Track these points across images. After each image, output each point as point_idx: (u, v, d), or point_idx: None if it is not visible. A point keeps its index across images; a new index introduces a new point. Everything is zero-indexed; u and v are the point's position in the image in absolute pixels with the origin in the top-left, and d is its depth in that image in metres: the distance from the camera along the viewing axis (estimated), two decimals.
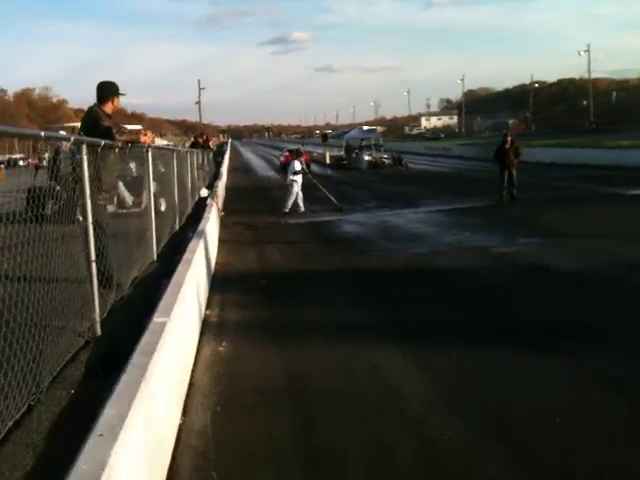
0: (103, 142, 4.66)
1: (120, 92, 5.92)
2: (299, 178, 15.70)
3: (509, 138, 15.99)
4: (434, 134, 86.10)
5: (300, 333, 5.84)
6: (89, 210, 4.11)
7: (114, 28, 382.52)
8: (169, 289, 4.69)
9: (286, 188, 16.12)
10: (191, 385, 4.41)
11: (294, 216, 15.04)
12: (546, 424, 3.73)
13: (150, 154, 7.01)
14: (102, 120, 5.45)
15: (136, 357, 3.21)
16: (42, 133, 3.26)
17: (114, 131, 5.36)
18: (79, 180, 4.10)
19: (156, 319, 3.87)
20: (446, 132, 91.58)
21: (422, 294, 7.17)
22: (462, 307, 6.49)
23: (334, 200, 16.10)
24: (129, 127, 11.35)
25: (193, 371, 4.72)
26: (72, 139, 3.77)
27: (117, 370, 3.09)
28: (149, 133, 6.17)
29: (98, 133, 4.84)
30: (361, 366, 4.87)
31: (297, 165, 15.94)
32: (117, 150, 5.56)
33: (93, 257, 4.13)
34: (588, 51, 69.18)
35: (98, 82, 5.82)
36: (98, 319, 4.16)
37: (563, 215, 13.10)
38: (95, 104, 5.74)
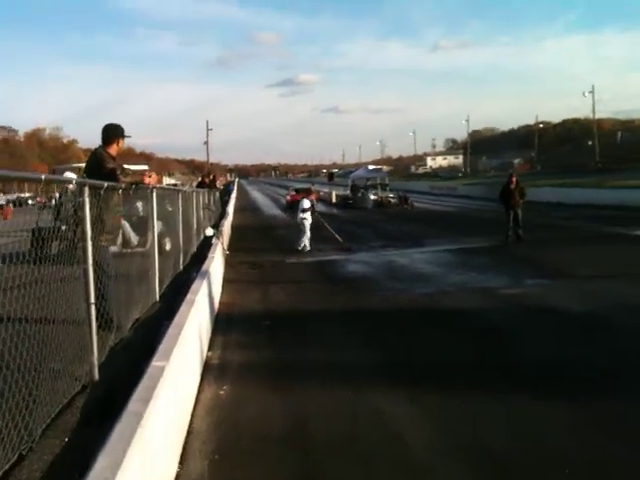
0: (106, 184, 4.68)
1: (125, 134, 5.99)
2: (308, 216, 15.80)
3: (514, 178, 16.03)
4: (450, 173, 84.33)
5: (303, 375, 5.73)
6: (89, 252, 4.08)
7: (125, 70, 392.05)
8: (170, 331, 4.62)
9: (295, 227, 16.27)
10: (190, 431, 4.30)
11: (299, 255, 15.02)
12: (552, 472, 3.61)
13: (154, 195, 7.03)
14: (106, 162, 5.49)
15: (132, 404, 3.13)
16: (42, 176, 3.26)
17: (118, 172, 5.39)
18: (80, 222, 4.09)
19: (155, 363, 3.79)
20: (457, 172, 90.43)
21: (428, 335, 7.07)
22: (468, 349, 6.39)
23: (340, 239, 16.11)
24: (136, 167, 11.43)
25: (192, 416, 4.62)
26: (74, 181, 3.78)
27: (113, 417, 3.01)
28: (154, 175, 6.21)
29: (102, 175, 4.87)
30: (365, 411, 4.75)
31: (306, 203, 16.05)
32: (121, 191, 5.58)
33: (92, 299, 4.09)
34: (592, 92, 70.00)
35: (104, 125, 5.90)
36: (96, 363, 4.08)
37: (569, 255, 13.03)
38: (100, 146, 5.80)
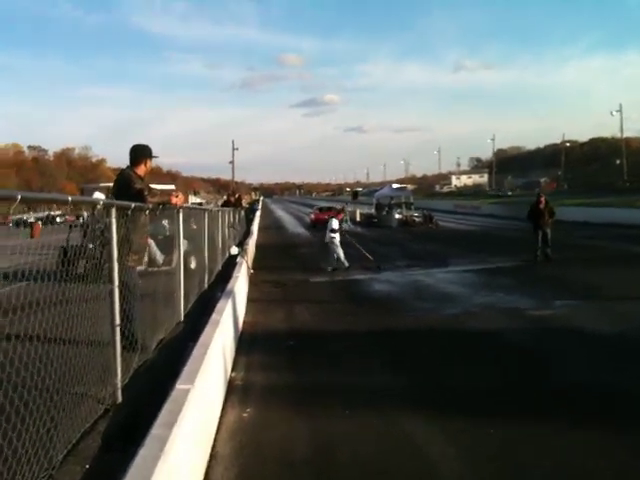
0: (133, 205, 4.70)
1: (153, 155, 6.03)
2: (337, 235, 15.79)
3: (543, 198, 15.82)
4: (501, 191, 79.60)
5: (328, 399, 5.62)
6: (116, 273, 4.08)
7: (153, 91, 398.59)
8: (194, 353, 4.58)
9: (321, 246, 16.29)
10: (212, 456, 4.23)
11: (324, 274, 14.97)
12: None
13: (181, 215, 7.07)
14: (134, 182, 5.52)
15: (156, 429, 3.08)
16: (69, 198, 3.28)
17: (146, 193, 5.42)
18: (107, 243, 4.10)
19: (179, 386, 3.75)
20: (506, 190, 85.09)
21: (455, 358, 6.93)
22: (497, 374, 6.23)
23: (371, 258, 16.06)
24: (162, 187, 11.55)
25: (215, 439, 4.56)
26: (102, 203, 3.79)
27: (136, 442, 2.96)
28: (180, 195, 6.22)
29: (130, 195, 4.90)
30: (393, 438, 4.63)
31: (335, 223, 16.04)
32: (148, 212, 5.61)
33: (117, 321, 4.07)
34: (620, 110, 69.21)
35: (132, 145, 5.95)
36: (119, 385, 4.05)
37: (599, 276, 12.74)
38: (128, 166, 5.84)
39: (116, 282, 4.06)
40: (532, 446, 4.36)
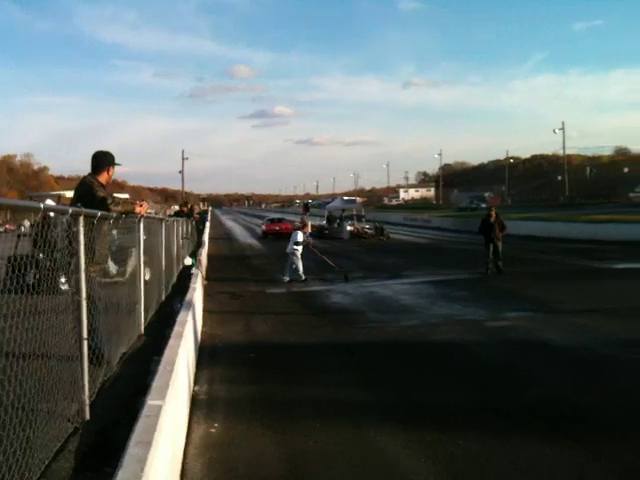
0: (100, 213, 4.51)
1: (115, 162, 5.81)
2: (300, 248, 15.74)
3: (493, 211, 16.22)
4: (473, 203, 74.01)
5: (294, 412, 5.52)
6: (83, 284, 3.88)
7: (100, 100, 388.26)
8: (161, 367, 4.41)
9: (276, 257, 16.23)
10: (183, 474, 4.07)
11: (279, 285, 14.87)
12: None
13: (142, 225, 6.86)
14: (97, 190, 5.30)
15: (132, 448, 2.92)
16: (41, 205, 3.10)
17: (109, 202, 5.21)
18: (75, 253, 3.90)
19: (151, 402, 3.58)
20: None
21: (417, 371, 6.94)
22: (459, 386, 6.28)
23: (335, 266, 16.41)
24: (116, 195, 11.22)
25: (185, 455, 4.39)
26: (70, 211, 3.61)
27: (109, 462, 2.80)
28: (145, 204, 6.03)
29: (93, 203, 4.69)
30: (362, 451, 4.58)
31: (300, 236, 15.98)
32: (111, 221, 5.40)
33: (85, 334, 3.87)
34: (563, 129, 71.89)
35: (94, 152, 5.72)
36: (87, 401, 3.84)
37: (549, 288, 13.12)
38: (90, 174, 5.59)
39: (83, 294, 3.86)
40: (502, 458, 4.39)
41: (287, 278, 15.46)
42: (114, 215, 5.28)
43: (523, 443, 4.65)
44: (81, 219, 3.86)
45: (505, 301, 11.66)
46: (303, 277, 15.43)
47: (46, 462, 3.09)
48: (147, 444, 2.96)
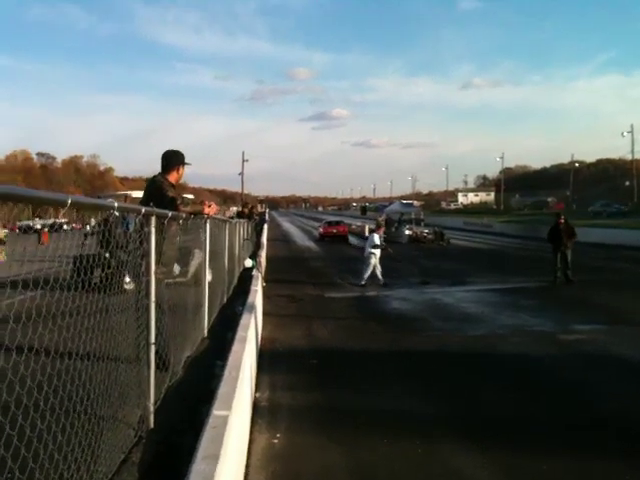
0: (170, 214, 4.43)
1: (185, 162, 5.74)
2: (377, 252, 15.46)
3: (562, 218, 15.51)
4: (617, 208, 62.79)
5: (359, 423, 5.28)
6: (153, 287, 3.78)
7: (162, 102, 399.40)
8: (226, 372, 4.27)
9: (334, 260, 15.95)
10: None
11: (337, 289, 14.71)
12: None
13: (208, 225, 6.79)
14: (166, 190, 5.23)
15: (199, 464, 2.76)
16: (116, 204, 3.00)
17: (178, 202, 5.13)
18: (146, 255, 3.80)
19: (216, 412, 3.44)
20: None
21: (485, 383, 6.61)
22: (532, 401, 5.92)
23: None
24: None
25: (247, 467, 4.24)
26: (143, 210, 3.51)
27: (175, 477, 2.65)
28: (213, 204, 5.94)
29: (163, 203, 4.60)
30: (435, 470, 4.31)
31: (376, 239, 15.75)
32: (181, 222, 5.32)
33: (153, 339, 3.76)
34: (632, 132, 69.02)
35: (164, 151, 5.66)
36: (152, 409, 3.72)
37: (624, 300, 12.37)
38: (160, 173, 5.53)
39: (152, 297, 3.75)
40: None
41: (363, 282, 15.21)
42: (183, 216, 5.20)
43: (613, 468, 4.27)
44: (153, 219, 3.77)
45: (576, 312, 11.06)
46: (382, 281, 15.17)
47: (110, 476, 2.94)
48: (214, 458, 2.81)
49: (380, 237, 16.11)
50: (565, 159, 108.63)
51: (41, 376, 2.55)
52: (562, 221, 15.29)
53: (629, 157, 74.75)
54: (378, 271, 15.34)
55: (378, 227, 17.35)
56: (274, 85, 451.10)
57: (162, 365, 4.31)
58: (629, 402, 5.87)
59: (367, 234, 38.32)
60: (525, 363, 7.49)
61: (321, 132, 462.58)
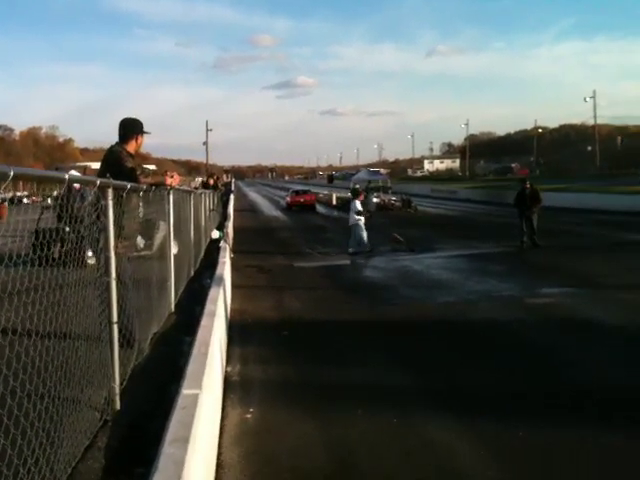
0: (129, 185, 4.19)
1: (145, 130, 5.46)
2: (362, 218, 15.37)
3: (528, 183, 15.60)
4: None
5: (334, 396, 5.18)
6: (112, 263, 3.58)
7: (122, 70, 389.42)
8: (195, 349, 4.11)
9: (300, 230, 15.78)
10: (219, 466, 3.80)
11: (306, 259, 14.60)
12: None
13: (171, 197, 6.54)
14: (126, 160, 4.96)
15: (168, 447, 2.63)
16: (66, 176, 2.78)
17: (138, 172, 4.88)
18: (103, 229, 3.59)
19: (185, 391, 3.29)
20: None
21: (458, 352, 6.58)
22: (506, 369, 5.90)
23: (402, 239, 15.80)
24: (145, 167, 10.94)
25: (220, 445, 4.12)
26: (98, 182, 3.29)
27: (144, 461, 2.51)
28: (176, 175, 5.70)
29: (122, 174, 4.35)
30: (411, 442, 4.26)
31: (358, 205, 15.62)
32: (141, 194, 5.08)
33: (115, 317, 3.58)
34: (594, 97, 69.90)
35: (121, 119, 5.37)
36: (117, 390, 3.56)
37: (590, 263, 12.56)
38: (117, 143, 5.25)
39: (113, 274, 3.56)
40: (551, 443, 4.05)
41: (351, 250, 15.09)
42: (144, 187, 4.96)
43: (590, 433, 4.28)
44: (110, 191, 3.54)
45: (544, 276, 11.18)
46: (369, 247, 15.07)
47: (73, 463, 2.77)
48: (184, 441, 2.67)
49: (362, 203, 16.00)
50: (529, 125, 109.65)
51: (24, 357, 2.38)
52: (528, 186, 15.38)
53: (591, 122, 75.86)
54: (352, 239, 15.24)
55: (358, 194, 17.03)
56: (238, 53, 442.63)
57: (127, 344, 4.13)
58: (605, 367, 5.91)
59: (335, 203, 38.41)
60: (495, 329, 7.51)
61: (286, 100, 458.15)
